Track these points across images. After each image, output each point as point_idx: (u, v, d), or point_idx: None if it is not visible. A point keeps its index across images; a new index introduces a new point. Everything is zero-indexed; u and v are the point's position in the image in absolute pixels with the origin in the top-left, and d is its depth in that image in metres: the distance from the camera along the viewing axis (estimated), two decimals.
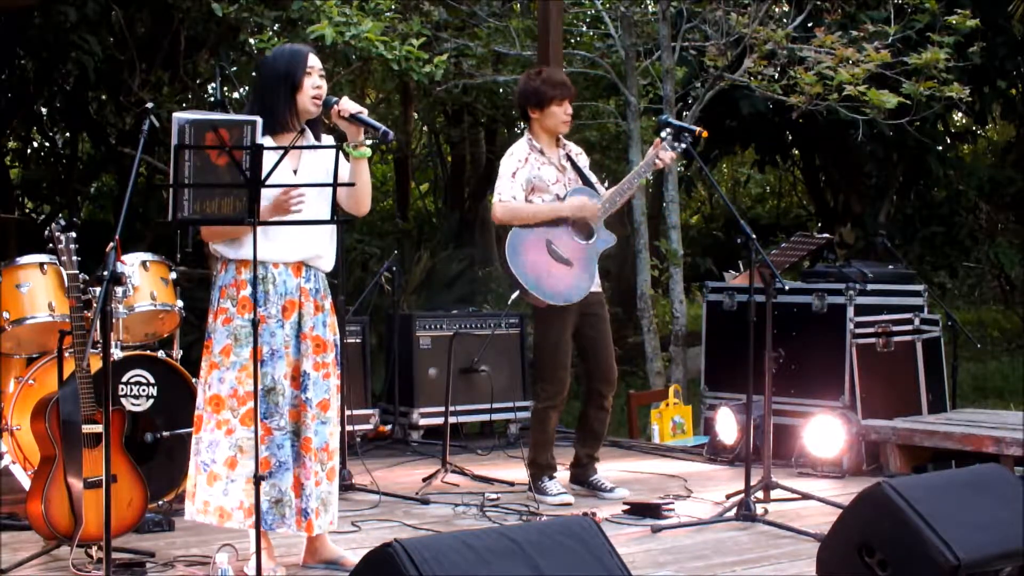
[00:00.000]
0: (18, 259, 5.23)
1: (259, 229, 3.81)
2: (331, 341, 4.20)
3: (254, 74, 4.37)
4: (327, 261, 4.24)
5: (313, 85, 4.14)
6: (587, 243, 5.50)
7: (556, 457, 5.70)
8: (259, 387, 3.92)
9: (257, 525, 3.75)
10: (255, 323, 3.79)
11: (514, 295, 5.53)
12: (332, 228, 4.24)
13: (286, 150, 3.86)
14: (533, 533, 3.26)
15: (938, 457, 6.13)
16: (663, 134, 5.41)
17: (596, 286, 5.60)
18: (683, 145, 5.39)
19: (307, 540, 4.30)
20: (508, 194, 5.48)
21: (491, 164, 13.96)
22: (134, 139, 6.25)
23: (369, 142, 4.19)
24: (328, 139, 4.27)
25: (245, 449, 4.00)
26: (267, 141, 4.01)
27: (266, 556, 4.09)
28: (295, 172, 4.14)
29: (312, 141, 4.21)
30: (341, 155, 4.05)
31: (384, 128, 4.08)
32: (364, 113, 4.13)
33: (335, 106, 4.13)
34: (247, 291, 4.05)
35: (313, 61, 4.17)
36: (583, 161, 5.70)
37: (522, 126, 12.80)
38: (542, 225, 5.45)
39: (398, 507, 5.40)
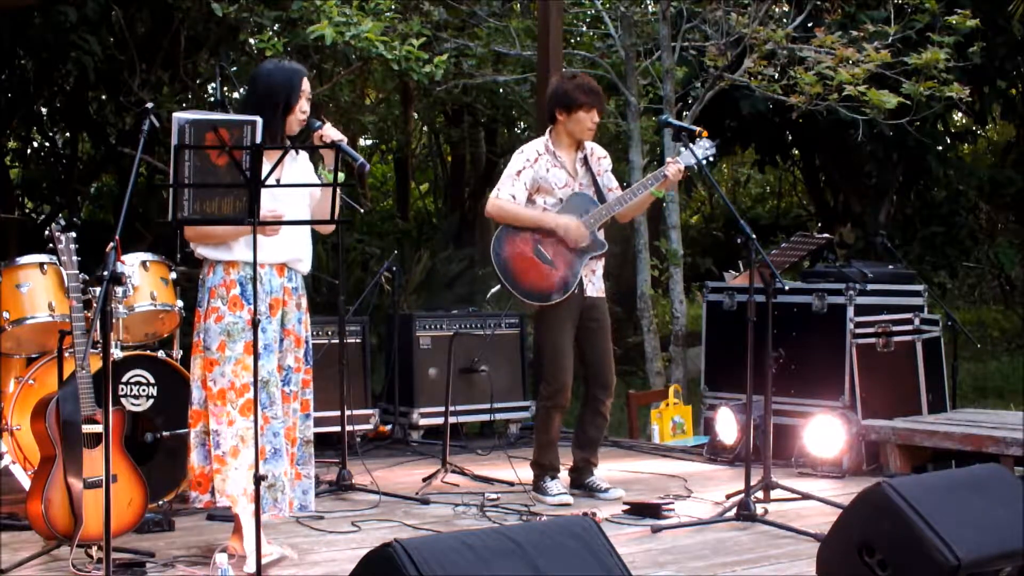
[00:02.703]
0: (18, 259, 5.23)
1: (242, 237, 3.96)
2: (304, 338, 4.41)
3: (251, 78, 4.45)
4: (306, 264, 4.45)
5: (302, 109, 4.33)
6: (575, 248, 5.50)
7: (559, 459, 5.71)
8: (258, 379, 4.04)
9: (257, 525, 3.78)
10: (256, 321, 3.89)
11: (494, 289, 5.59)
12: (308, 234, 4.45)
13: (286, 150, 3.99)
14: (533, 533, 3.27)
15: (938, 457, 6.13)
16: (684, 152, 5.41)
17: (597, 292, 5.61)
18: (697, 157, 5.41)
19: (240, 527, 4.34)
20: (506, 192, 5.51)
21: (491, 164, 13.96)
22: (134, 139, 6.24)
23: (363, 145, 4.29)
24: (303, 155, 4.48)
25: (246, 439, 4.16)
26: None
27: (267, 541, 4.16)
28: (278, 181, 4.18)
29: (296, 156, 4.40)
30: (313, 175, 4.42)
31: (361, 160, 4.25)
32: (344, 142, 4.29)
33: (318, 131, 4.33)
34: (236, 290, 4.25)
35: (306, 85, 4.36)
36: (605, 165, 5.67)
37: (522, 126, 12.95)
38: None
39: (398, 507, 5.40)
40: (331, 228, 4.61)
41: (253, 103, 4.28)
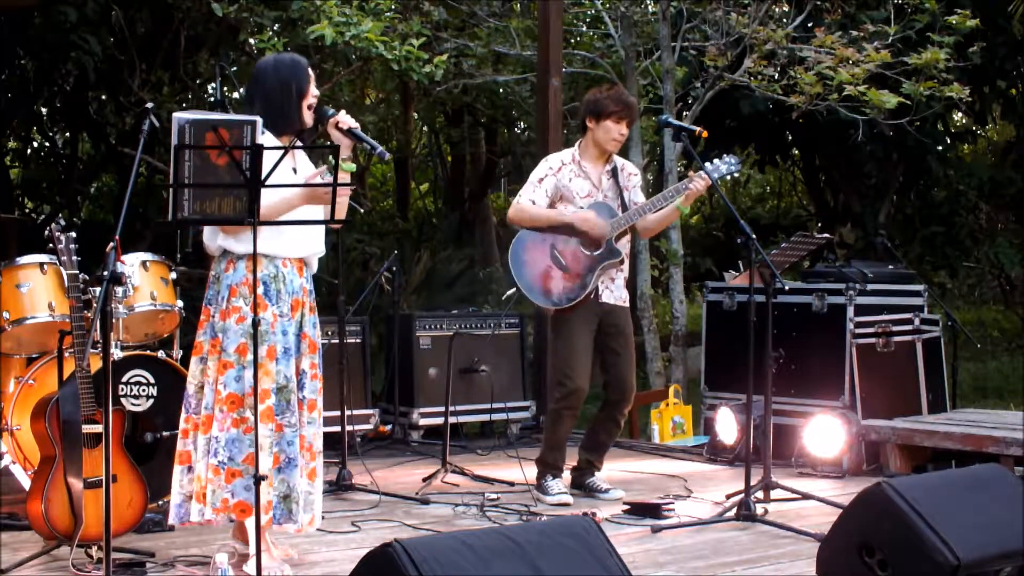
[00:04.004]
0: (18, 259, 5.23)
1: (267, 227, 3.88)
2: (318, 342, 4.32)
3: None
4: (316, 260, 4.37)
5: (312, 94, 4.28)
6: (591, 254, 5.51)
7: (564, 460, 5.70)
8: (273, 385, 4.06)
9: (257, 525, 3.77)
10: (255, 323, 3.82)
11: (510, 291, 5.59)
12: (322, 230, 4.35)
13: (287, 149, 3.92)
14: (533, 533, 3.26)
15: (938, 457, 6.13)
16: (709, 166, 5.41)
17: (616, 300, 5.61)
18: (721, 172, 5.42)
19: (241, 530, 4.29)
20: (526, 197, 5.57)
21: (491, 164, 13.97)
22: (134, 139, 6.26)
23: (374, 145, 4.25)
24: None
25: (263, 446, 4.01)
26: (270, 140, 4.09)
27: (267, 557, 4.09)
28: (295, 171, 4.20)
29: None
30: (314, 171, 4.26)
31: (380, 148, 4.20)
32: (359, 128, 4.25)
33: (332, 118, 4.24)
34: (260, 289, 4.09)
35: (310, 72, 4.31)
36: (635, 181, 5.68)
37: (522, 126, 12.96)
38: (552, 230, 5.50)
39: (398, 507, 5.41)
40: (339, 224, 4.43)
41: (263, 97, 4.20)
